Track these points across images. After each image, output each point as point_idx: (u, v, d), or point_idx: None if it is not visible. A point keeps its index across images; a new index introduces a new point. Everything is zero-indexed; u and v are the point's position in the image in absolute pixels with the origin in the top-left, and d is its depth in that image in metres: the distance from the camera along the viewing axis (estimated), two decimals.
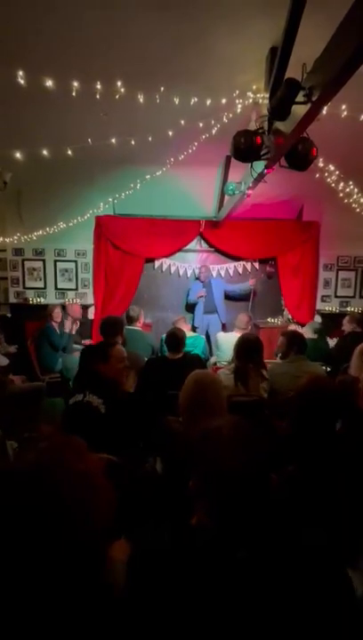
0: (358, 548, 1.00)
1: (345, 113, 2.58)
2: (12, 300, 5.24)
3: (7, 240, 4.91)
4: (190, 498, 0.73)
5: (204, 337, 4.23)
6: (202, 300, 4.97)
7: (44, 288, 5.28)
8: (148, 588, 0.59)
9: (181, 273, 5.38)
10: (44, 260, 5.23)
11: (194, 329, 4.96)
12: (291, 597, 0.60)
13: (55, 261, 5.25)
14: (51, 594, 0.45)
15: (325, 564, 0.64)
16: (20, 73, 2.09)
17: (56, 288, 5.30)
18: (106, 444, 1.23)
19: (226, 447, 0.69)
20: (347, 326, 3.86)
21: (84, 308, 5.25)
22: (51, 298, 5.24)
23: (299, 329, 3.79)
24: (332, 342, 3.94)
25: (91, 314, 5.25)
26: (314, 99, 1.85)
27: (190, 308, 5.19)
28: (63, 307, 4.73)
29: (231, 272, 5.42)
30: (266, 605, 0.59)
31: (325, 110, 2.10)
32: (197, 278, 5.15)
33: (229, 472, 0.66)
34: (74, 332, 4.48)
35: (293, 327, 4.33)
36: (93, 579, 0.47)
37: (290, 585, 0.61)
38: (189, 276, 5.38)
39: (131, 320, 3.65)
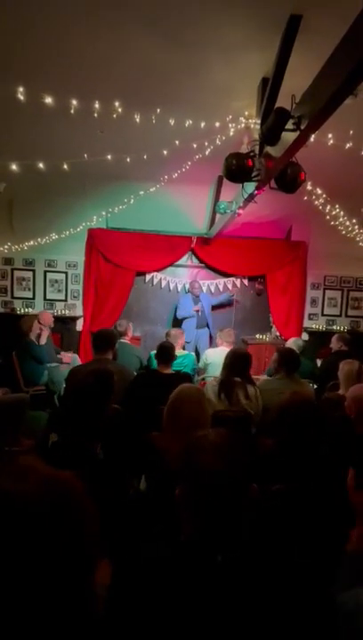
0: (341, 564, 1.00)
1: (331, 141, 2.72)
2: None
3: None
4: (175, 515, 0.72)
5: (193, 354, 4.21)
6: (197, 315, 4.98)
7: (33, 298, 5.22)
8: (128, 610, 0.58)
9: (171, 287, 5.43)
10: (33, 271, 5.20)
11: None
12: (273, 616, 0.60)
13: (45, 272, 5.23)
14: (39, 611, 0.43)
15: (307, 583, 0.64)
16: (21, 89, 2.14)
17: (45, 299, 5.25)
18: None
19: (210, 451, 0.70)
20: (335, 344, 3.94)
21: (73, 319, 5.21)
22: (39, 308, 5.18)
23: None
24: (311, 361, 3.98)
25: (79, 326, 5.20)
26: (302, 127, 1.95)
27: (178, 322, 5.20)
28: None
29: (221, 288, 5.50)
30: (248, 626, 0.58)
31: (312, 138, 2.21)
32: (189, 292, 5.19)
33: (213, 474, 0.66)
34: (44, 342, 4.30)
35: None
36: (80, 603, 0.46)
37: (271, 602, 0.61)
38: (179, 290, 5.43)
39: (119, 334, 3.63)
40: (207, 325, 5.04)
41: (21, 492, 0.46)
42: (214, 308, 5.18)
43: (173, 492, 0.71)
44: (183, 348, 4.36)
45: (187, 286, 5.31)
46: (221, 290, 5.48)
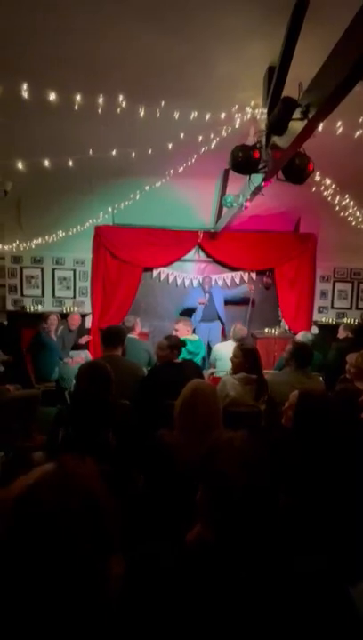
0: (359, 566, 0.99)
1: (340, 130, 2.65)
2: (10, 307, 5.23)
3: (6, 248, 4.93)
4: (185, 513, 0.72)
5: (202, 340, 4.25)
6: (202, 308, 4.95)
7: (42, 296, 5.28)
8: (143, 605, 0.59)
9: (178, 282, 5.41)
10: (42, 268, 5.25)
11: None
12: (290, 620, 0.59)
13: (53, 269, 5.26)
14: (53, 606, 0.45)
15: (323, 587, 0.63)
16: (24, 86, 2.14)
17: (54, 296, 5.30)
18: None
19: (238, 460, 0.68)
20: (341, 333, 4.07)
21: (82, 316, 5.24)
22: (48, 306, 5.24)
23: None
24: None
25: (88, 322, 5.24)
26: (310, 116, 1.90)
27: (185, 314, 5.17)
28: (62, 315, 4.71)
29: (229, 282, 5.46)
30: (264, 627, 0.58)
31: (321, 127, 2.16)
32: (200, 286, 5.15)
33: (240, 485, 0.64)
34: (55, 338, 4.40)
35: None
36: (95, 593, 0.47)
37: (289, 608, 0.60)
38: (186, 285, 5.41)
39: (127, 329, 3.65)
40: (219, 319, 5.01)
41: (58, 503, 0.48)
42: (229, 302, 5.14)
43: (176, 492, 0.70)
44: (194, 332, 4.40)
45: (195, 281, 5.31)
46: (228, 284, 5.45)
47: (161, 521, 1.09)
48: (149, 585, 0.61)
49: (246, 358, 2.40)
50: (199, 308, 4.95)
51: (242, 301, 5.23)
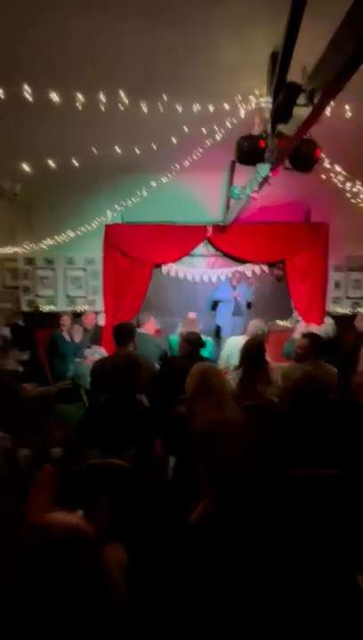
0: None
1: (349, 113, 2.57)
2: (25, 308, 5.34)
3: (19, 250, 5.03)
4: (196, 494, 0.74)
5: (210, 339, 4.27)
6: (234, 301, 4.99)
7: (55, 296, 5.36)
8: (148, 590, 0.60)
9: (188, 278, 5.40)
10: (54, 269, 5.33)
11: (218, 329, 5.04)
12: (294, 596, 0.60)
13: (65, 269, 5.34)
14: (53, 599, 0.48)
15: (326, 565, 0.64)
16: (26, 87, 2.16)
17: (66, 296, 5.38)
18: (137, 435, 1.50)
19: (233, 438, 0.71)
20: (360, 324, 3.95)
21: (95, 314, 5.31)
22: (61, 305, 5.33)
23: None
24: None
25: (101, 320, 5.31)
26: (315, 101, 1.86)
27: (214, 306, 5.20)
28: (75, 314, 4.81)
29: (239, 275, 5.42)
30: (268, 606, 0.58)
31: (328, 111, 2.10)
32: (228, 280, 5.17)
33: (233, 461, 0.67)
34: (78, 340, 4.51)
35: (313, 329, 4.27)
36: (92, 583, 0.50)
37: (293, 584, 0.61)
38: (197, 280, 5.40)
39: (138, 324, 3.70)
40: (243, 314, 5.05)
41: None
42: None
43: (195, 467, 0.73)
44: (217, 331, 4.44)
45: (204, 276, 5.32)
46: (237, 278, 5.41)
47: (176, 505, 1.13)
48: (151, 572, 0.63)
49: (249, 354, 2.42)
50: (231, 303, 4.94)
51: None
